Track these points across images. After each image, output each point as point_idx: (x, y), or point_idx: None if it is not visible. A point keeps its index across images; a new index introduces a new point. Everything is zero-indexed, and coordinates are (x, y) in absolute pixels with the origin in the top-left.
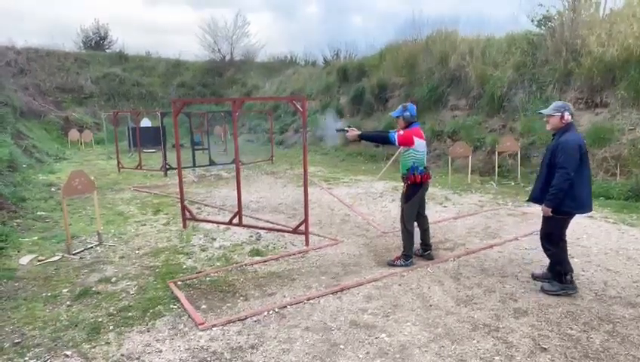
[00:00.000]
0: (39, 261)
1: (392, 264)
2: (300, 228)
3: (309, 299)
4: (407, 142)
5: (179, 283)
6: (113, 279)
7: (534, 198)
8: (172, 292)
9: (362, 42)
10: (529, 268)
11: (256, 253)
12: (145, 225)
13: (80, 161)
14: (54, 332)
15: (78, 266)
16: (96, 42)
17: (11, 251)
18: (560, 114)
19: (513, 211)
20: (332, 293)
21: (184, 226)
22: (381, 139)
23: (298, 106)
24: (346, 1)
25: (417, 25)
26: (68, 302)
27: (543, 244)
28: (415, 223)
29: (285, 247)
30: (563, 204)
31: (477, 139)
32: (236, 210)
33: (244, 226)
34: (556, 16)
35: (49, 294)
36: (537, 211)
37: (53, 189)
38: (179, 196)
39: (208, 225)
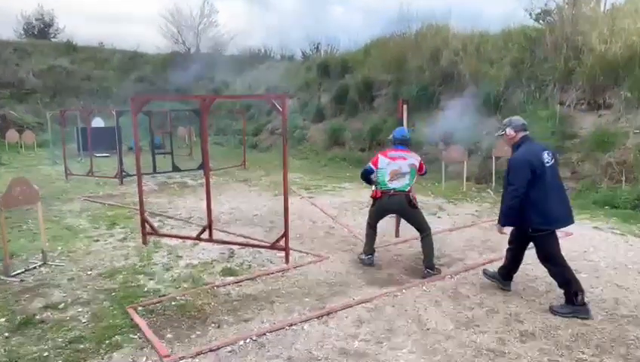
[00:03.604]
0: None
1: (361, 259)
2: (279, 243)
3: (291, 325)
4: (374, 165)
5: (139, 308)
6: (61, 305)
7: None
8: (132, 320)
9: (345, 36)
10: (533, 285)
11: (228, 272)
12: (98, 241)
13: (20, 166)
14: None
15: (18, 290)
16: (40, 30)
17: None
18: (503, 132)
19: None
20: (317, 317)
21: (144, 242)
22: (362, 174)
23: (278, 105)
24: None
25: (406, 19)
26: (6, 334)
27: (544, 265)
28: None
29: (262, 265)
30: (531, 221)
31: (472, 143)
32: (204, 222)
33: (215, 242)
34: (555, 10)
35: None
36: None
37: None
38: (137, 207)
39: (173, 241)
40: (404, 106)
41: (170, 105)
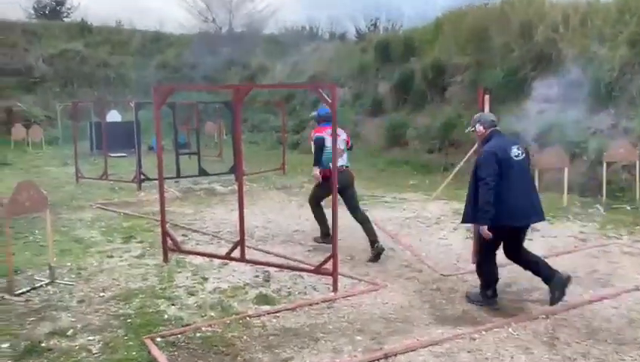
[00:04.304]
0: None
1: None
2: (325, 266)
3: None
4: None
5: (158, 339)
6: (69, 331)
7: (466, 219)
8: (149, 353)
9: (410, 8)
10: None
11: (264, 299)
12: (112, 256)
13: (26, 167)
14: None
15: (22, 312)
16: (52, 9)
17: None
18: (474, 128)
19: (631, 248)
20: (372, 361)
21: (165, 260)
22: (319, 147)
23: (326, 96)
24: None
25: None
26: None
27: (477, 257)
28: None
29: (304, 293)
30: (498, 216)
31: (576, 144)
32: (235, 238)
33: (248, 262)
34: None
35: None
36: None
37: None
38: (158, 218)
39: (198, 259)
40: (486, 97)
41: (197, 95)
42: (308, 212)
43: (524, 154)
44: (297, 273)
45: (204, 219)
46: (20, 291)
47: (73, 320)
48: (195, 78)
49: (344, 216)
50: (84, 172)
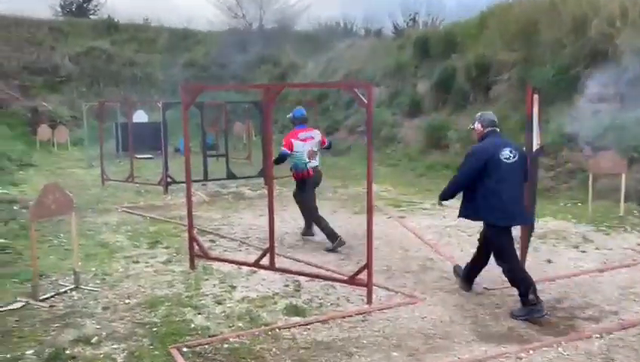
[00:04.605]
0: None
1: (330, 249)
2: (359, 276)
3: None
4: (290, 147)
5: (185, 349)
6: (94, 339)
7: (460, 213)
8: None
9: (452, 1)
10: None
11: (294, 310)
12: (138, 262)
13: (52, 168)
14: None
15: (47, 318)
16: (79, 6)
17: None
18: (473, 126)
19: None
20: None
21: (192, 266)
22: (280, 158)
23: (361, 96)
24: None
25: None
26: None
27: (496, 262)
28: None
29: (337, 305)
30: (482, 214)
31: (634, 148)
32: (264, 245)
33: (277, 270)
34: None
35: (8, 356)
36: None
37: (15, 208)
38: (185, 222)
39: (226, 267)
40: (535, 96)
41: (225, 95)
42: (341, 218)
43: (516, 158)
44: (329, 283)
45: (232, 225)
46: (45, 296)
47: (98, 327)
48: (224, 76)
49: (379, 221)
50: (109, 174)
